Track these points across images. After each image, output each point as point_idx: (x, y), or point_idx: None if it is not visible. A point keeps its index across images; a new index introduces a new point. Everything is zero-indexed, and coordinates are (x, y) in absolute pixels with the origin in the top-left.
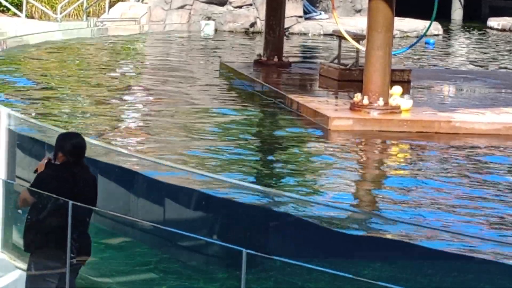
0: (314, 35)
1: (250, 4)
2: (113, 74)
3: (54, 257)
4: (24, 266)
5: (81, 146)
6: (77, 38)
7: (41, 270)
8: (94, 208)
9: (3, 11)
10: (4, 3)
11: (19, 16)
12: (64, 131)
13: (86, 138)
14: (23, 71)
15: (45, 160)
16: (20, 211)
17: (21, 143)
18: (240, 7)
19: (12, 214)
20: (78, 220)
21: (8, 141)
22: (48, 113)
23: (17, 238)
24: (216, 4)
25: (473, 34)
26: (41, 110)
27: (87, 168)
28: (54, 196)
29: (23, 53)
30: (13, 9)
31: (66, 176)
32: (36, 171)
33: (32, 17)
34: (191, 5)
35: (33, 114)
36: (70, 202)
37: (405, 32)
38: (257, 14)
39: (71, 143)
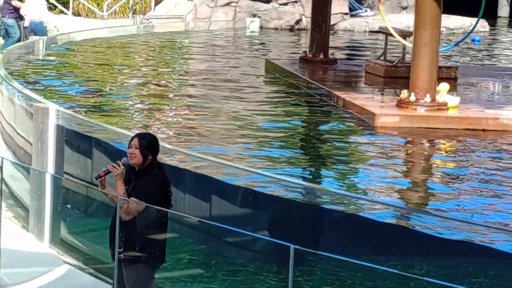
0: (360, 32)
1: (296, 1)
2: (159, 71)
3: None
4: (72, 261)
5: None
6: (123, 36)
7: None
8: (143, 203)
9: (50, 9)
10: (52, 0)
11: (65, 13)
12: (141, 131)
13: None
14: (71, 68)
15: (119, 166)
16: (69, 206)
17: (69, 139)
18: (285, 4)
19: (60, 209)
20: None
21: (57, 136)
22: (96, 109)
23: (65, 233)
24: (261, 1)
25: None
26: (90, 107)
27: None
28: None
29: (70, 50)
30: (60, 6)
31: (164, 178)
32: (100, 176)
33: (79, 15)
34: (237, 2)
35: (83, 111)
36: (119, 196)
37: (452, 29)
38: (302, 11)
39: (156, 143)
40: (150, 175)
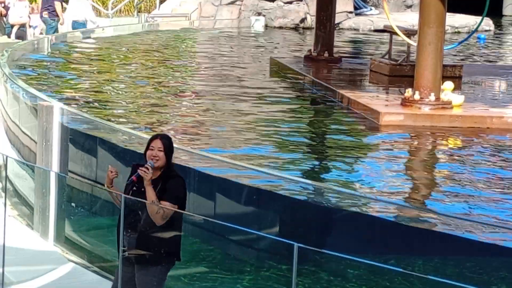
0: (365, 30)
1: (300, 0)
2: (163, 69)
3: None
4: (76, 259)
5: None
6: (128, 34)
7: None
8: (146, 201)
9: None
10: None
11: None
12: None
13: (139, 132)
14: (74, 67)
15: (148, 170)
16: (73, 204)
17: (73, 137)
18: (290, 2)
19: (65, 207)
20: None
21: (61, 135)
22: (100, 108)
23: (69, 232)
24: None
25: None
26: (94, 105)
27: None
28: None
29: (75, 49)
30: (65, 5)
31: None
32: (133, 181)
33: None
34: (241, 1)
35: (86, 110)
36: (123, 195)
37: (457, 27)
38: (307, 10)
39: (172, 143)
40: (178, 178)
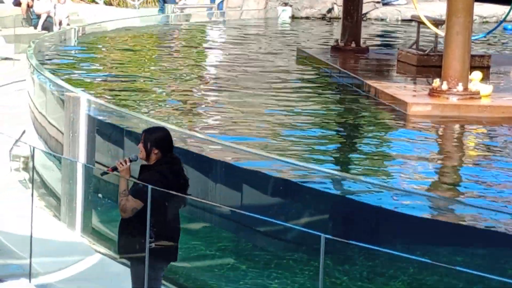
0: (392, 20)
1: None
2: (190, 60)
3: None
4: (104, 250)
5: (171, 138)
6: (154, 25)
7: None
8: (172, 192)
9: None
10: None
11: (97, 3)
12: (151, 125)
13: (163, 123)
14: (101, 58)
15: (125, 162)
16: (100, 195)
17: (100, 128)
18: None
19: (91, 198)
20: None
21: (88, 126)
22: (125, 99)
23: (96, 222)
24: None
25: None
26: (120, 96)
27: (179, 161)
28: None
29: (102, 40)
30: None
31: (170, 175)
32: (106, 172)
33: (111, 4)
34: None
35: (112, 101)
36: (150, 186)
37: (485, 17)
38: (334, 0)
39: (165, 138)
40: (152, 172)
